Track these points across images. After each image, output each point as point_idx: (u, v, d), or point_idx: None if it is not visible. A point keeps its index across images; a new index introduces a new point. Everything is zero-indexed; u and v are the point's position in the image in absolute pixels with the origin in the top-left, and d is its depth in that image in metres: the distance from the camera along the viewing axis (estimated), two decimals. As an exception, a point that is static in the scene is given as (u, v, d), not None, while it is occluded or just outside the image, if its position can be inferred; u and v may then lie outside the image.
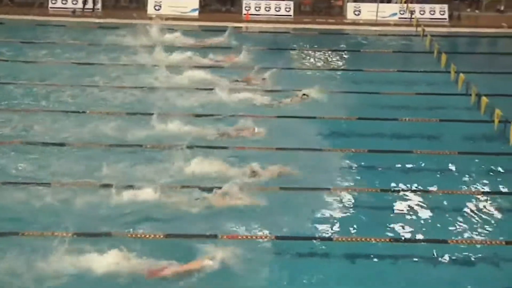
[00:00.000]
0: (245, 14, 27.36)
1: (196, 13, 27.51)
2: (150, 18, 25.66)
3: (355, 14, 27.46)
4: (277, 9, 27.62)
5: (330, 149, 15.18)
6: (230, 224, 12.18)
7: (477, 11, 28.32)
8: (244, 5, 27.65)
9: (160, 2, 27.51)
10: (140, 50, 21.70)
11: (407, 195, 13.52)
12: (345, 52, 22.75)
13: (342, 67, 21.63)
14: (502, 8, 28.08)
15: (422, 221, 12.78)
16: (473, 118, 16.96)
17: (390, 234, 12.18)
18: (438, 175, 14.58)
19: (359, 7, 27.56)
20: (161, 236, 11.63)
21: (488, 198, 13.77)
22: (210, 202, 12.70)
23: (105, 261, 10.71)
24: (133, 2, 28.54)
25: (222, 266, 10.74)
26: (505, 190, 14.11)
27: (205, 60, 21.13)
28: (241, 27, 26.03)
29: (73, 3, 27.33)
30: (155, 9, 27.36)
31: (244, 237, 11.73)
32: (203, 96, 18.11)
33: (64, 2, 27.38)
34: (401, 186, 13.90)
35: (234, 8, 28.22)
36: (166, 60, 20.84)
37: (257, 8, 27.62)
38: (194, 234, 11.65)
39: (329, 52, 22.93)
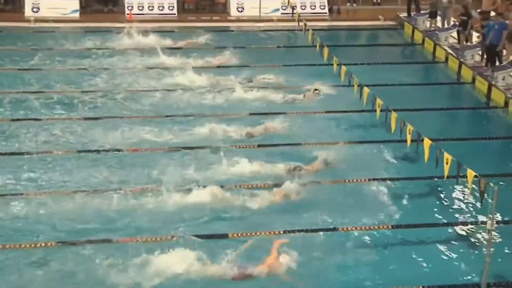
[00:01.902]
0: (128, 14, 26.95)
1: (77, 14, 26.76)
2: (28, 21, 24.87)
3: (239, 11, 27.69)
4: (160, 8, 27.39)
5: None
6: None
7: (355, 4, 29.30)
8: (126, 5, 27.21)
9: (38, 3, 26.53)
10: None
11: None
12: (232, 48, 22.92)
13: (229, 64, 21.75)
14: (379, 1, 29.20)
15: (318, 211, 13.20)
16: (357, 108, 17.58)
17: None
18: (326, 166, 15.03)
19: (242, 3, 27.81)
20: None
21: (377, 184, 14.36)
22: (271, 199, 13.36)
23: (184, 263, 11.12)
24: (8, 3, 27.32)
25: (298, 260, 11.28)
26: (393, 176, 14.75)
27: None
28: (124, 27, 25.65)
29: None
30: (33, 11, 26.36)
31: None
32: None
33: None
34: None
35: (116, 8, 27.71)
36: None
37: (140, 8, 27.25)
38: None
39: (216, 49, 23.01)
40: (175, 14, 27.45)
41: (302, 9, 27.03)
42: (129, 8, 27.13)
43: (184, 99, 18.75)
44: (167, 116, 17.54)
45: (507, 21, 20.63)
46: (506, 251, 12.11)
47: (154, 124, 16.99)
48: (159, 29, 24.99)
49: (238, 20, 27.27)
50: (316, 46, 20.04)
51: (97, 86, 19.67)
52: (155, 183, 13.89)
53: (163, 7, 27.42)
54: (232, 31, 25.94)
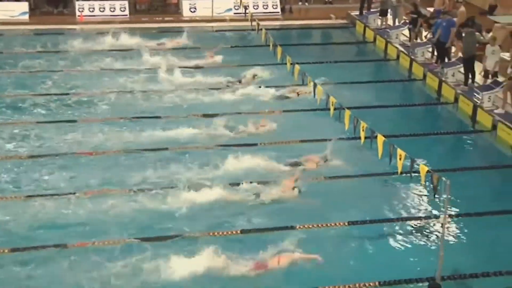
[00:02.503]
0: (79, 16, 26.60)
1: (26, 17, 26.32)
2: None
3: (191, 11, 27.62)
4: (112, 9, 27.12)
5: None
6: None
7: (307, 3, 29.52)
8: (77, 7, 26.86)
9: (-14, 6, 26.04)
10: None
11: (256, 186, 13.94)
12: (186, 49, 22.89)
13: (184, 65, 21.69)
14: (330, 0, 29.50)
15: (273, 210, 13.29)
16: (311, 107, 17.72)
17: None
18: (282, 164, 15.10)
19: (195, 4, 27.75)
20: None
21: (332, 182, 14.50)
22: (275, 196, 13.57)
23: (198, 261, 11.25)
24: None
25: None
26: (347, 173, 14.90)
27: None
28: (75, 28, 25.38)
29: None
30: (-20, 13, 25.87)
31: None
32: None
33: None
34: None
35: (67, 10, 27.32)
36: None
37: (91, 9, 26.93)
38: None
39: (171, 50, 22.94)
40: (127, 15, 27.22)
41: (254, 8, 27.12)
42: (80, 9, 26.79)
43: (141, 100, 18.74)
44: (121, 118, 17.43)
45: (454, 19, 21.06)
46: (460, 244, 12.37)
47: (117, 125, 16.97)
48: (111, 30, 24.77)
49: (191, 20, 27.19)
50: (269, 45, 20.12)
51: (49, 89, 19.41)
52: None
53: (115, 8, 27.17)
54: (185, 31, 25.80)
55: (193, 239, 12.13)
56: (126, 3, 27.35)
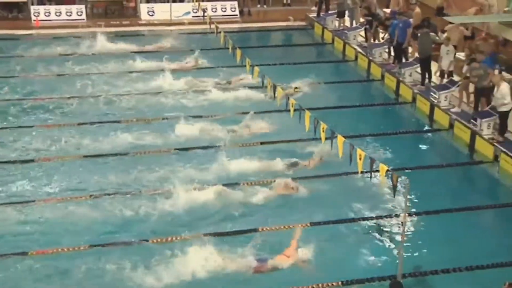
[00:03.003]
0: (34, 21, 26.20)
1: (-21, 22, 25.88)
2: None
3: (149, 15, 27.43)
4: (68, 13, 26.76)
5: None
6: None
7: (265, 6, 29.60)
8: (32, 11, 26.45)
9: None
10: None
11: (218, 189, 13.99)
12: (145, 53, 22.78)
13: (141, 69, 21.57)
14: (288, 2, 29.62)
15: (234, 212, 13.34)
16: (271, 108, 17.76)
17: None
18: (246, 165, 15.13)
19: (153, 7, 27.59)
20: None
21: (294, 183, 14.54)
22: (272, 194, 13.88)
23: (204, 261, 11.45)
24: None
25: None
26: (307, 174, 14.97)
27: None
28: (31, 34, 25.00)
29: None
30: None
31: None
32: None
33: None
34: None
35: (22, 14, 26.88)
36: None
37: (46, 14, 26.55)
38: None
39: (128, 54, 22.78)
40: (84, 19, 26.89)
41: (213, 11, 27.09)
42: (36, 14, 26.39)
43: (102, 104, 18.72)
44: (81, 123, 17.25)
45: (410, 19, 21.36)
46: (420, 242, 12.53)
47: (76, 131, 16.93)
48: (67, 35, 24.51)
49: (149, 24, 27.02)
50: (228, 48, 20.12)
51: (4, 95, 19.14)
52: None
53: (71, 12, 26.83)
54: (144, 35, 25.67)
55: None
56: (83, 7, 27.05)
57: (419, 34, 20.20)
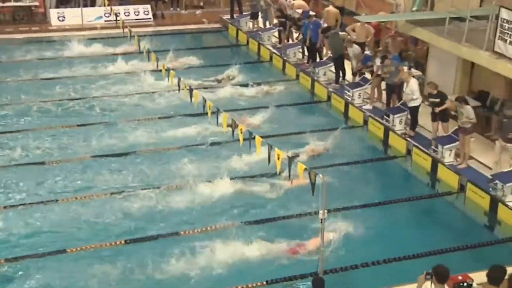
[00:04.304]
0: None
1: None
2: None
3: (60, 20, 26.78)
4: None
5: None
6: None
7: (178, 9, 29.46)
8: None
9: None
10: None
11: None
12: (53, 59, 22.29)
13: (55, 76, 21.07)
14: (201, 4, 29.59)
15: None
16: (189, 111, 17.73)
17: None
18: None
19: (63, 13, 26.95)
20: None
21: (212, 185, 14.56)
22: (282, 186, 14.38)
23: (239, 248, 12.08)
24: None
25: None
26: (229, 175, 15.03)
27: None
28: None
29: None
30: None
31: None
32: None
33: None
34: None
35: None
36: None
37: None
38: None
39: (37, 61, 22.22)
40: (-10, 26, 26.01)
41: (126, 15, 26.73)
42: None
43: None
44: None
45: (321, 20, 21.77)
46: (339, 237, 12.75)
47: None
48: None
49: (59, 29, 26.37)
50: (143, 52, 19.90)
51: None
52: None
53: (-23, 19, 25.90)
54: (54, 41, 25.06)
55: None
56: (-12, 13, 26.20)
57: (329, 35, 20.62)
